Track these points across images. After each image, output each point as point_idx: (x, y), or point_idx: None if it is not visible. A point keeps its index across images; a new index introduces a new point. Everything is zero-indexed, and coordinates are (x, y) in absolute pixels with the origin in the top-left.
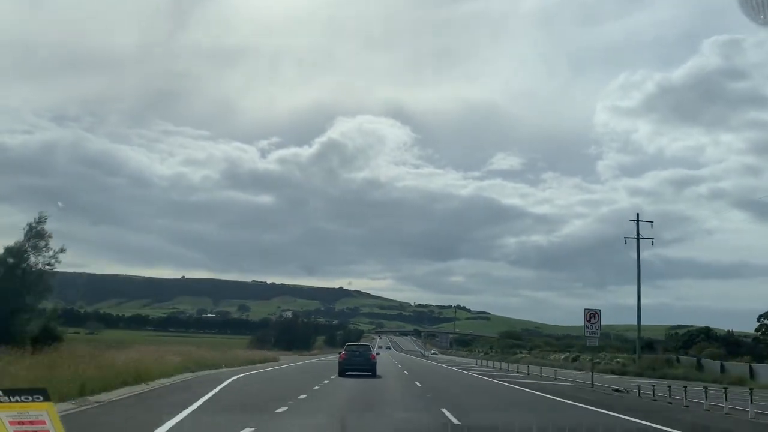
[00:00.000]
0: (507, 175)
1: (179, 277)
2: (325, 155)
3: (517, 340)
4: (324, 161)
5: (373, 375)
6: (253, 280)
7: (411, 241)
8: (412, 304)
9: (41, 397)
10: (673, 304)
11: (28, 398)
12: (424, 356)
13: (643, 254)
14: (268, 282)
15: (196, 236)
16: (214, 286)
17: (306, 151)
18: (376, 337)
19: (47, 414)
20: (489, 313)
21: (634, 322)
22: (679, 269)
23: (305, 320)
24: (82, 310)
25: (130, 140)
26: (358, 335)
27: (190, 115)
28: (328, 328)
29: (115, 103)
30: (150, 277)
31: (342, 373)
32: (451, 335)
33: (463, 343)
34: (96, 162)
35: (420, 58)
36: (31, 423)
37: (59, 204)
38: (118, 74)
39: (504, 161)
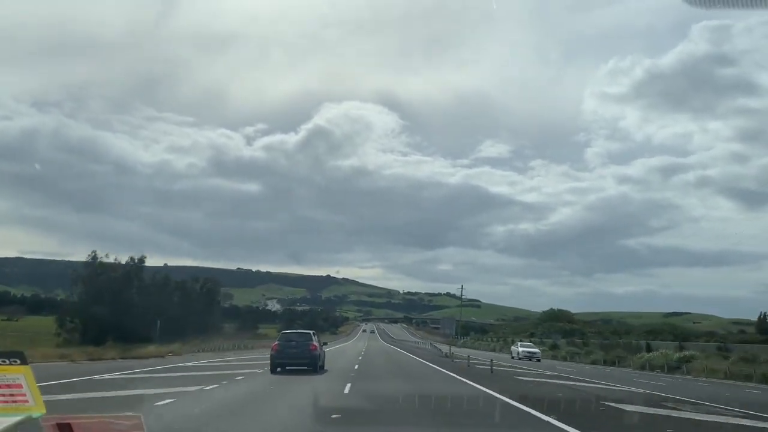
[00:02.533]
0: (495, 162)
1: (161, 264)
2: (312, 142)
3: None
4: (310, 148)
5: (315, 370)
6: (238, 268)
7: (399, 230)
8: (401, 292)
9: (18, 361)
10: (659, 291)
11: (5, 361)
12: (441, 353)
13: (630, 242)
14: (254, 270)
15: (181, 224)
16: (198, 274)
17: (292, 138)
18: (361, 324)
19: (24, 378)
20: (479, 301)
21: (622, 309)
22: (665, 257)
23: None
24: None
25: (112, 126)
26: (336, 322)
27: (174, 101)
28: (309, 314)
29: (97, 88)
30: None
31: (274, 369)
32: (457, 320)
33: (480, 331)
34: (77, 149)
35: (409, 45)
36: (8, 386)
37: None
38: (101, 59)
39: (492, 149)
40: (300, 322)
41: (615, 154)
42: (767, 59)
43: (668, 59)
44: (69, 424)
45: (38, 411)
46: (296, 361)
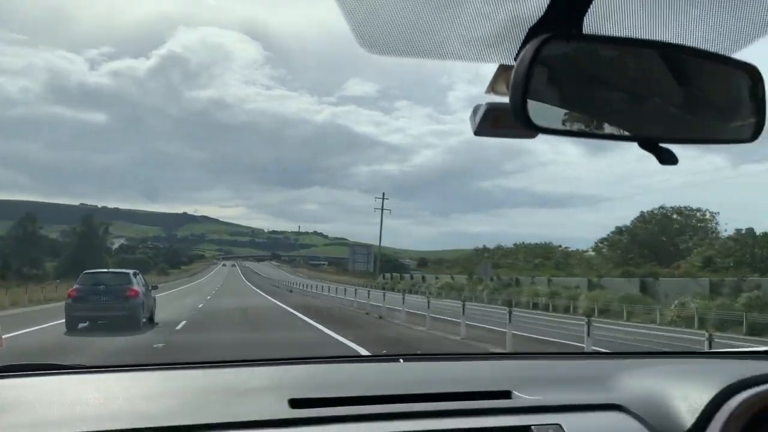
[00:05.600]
0: (361, 101)
1: None
2: (166, 70)
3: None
4: (164, 76)
5: (136, 325)
6: (82, 203)
7: (263, 168)
8: (266, 231)
9: None
10: (509, 231)
11: None
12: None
13: (485, 184)
14: (100, 206)
15: (16, 156)
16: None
17: (143, 65)
18: (218, 262)
19: None
20: (347, 239)
21: (473, 246)
22: (517, 198)
23: None
24: None
25: None
26: (178, 260)
27: (8, 16)
28: (163, 253)
29: None
30: None
31: (72, 326)
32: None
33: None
34: None
35: None
36: None
37: None
38: None
39: (359, 87)
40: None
41: (476, 98)
42: None
43: None
44: None
45: None
46: (106, 313)
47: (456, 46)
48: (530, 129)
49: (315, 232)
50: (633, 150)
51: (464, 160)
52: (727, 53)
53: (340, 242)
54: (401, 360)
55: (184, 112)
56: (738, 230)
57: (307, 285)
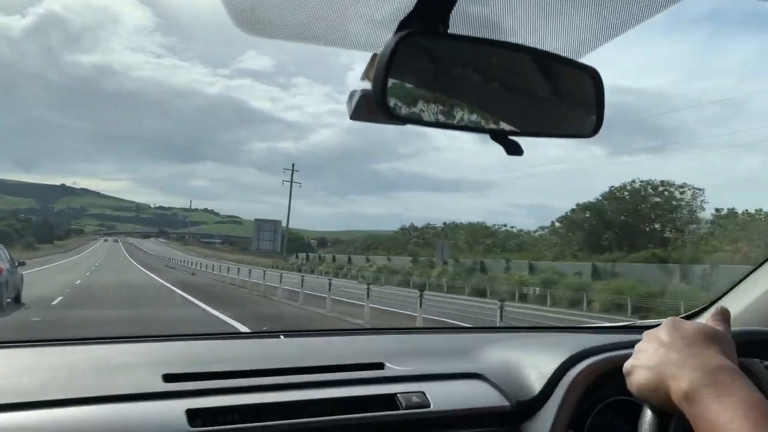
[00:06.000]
0: (257, 75)
1: None
2: (44, 30)
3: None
4: (42, 37)
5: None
6: None
7: (150, 140)
8: (152, 206)
9: None
10: (402, 213)
11: None
12: None
13: (380, 167)
14: None
15: None
16: None
17: (18, 23)
18: (99, 238)
19: None
20: (239, 217)
21: (370, 228)
22: (410, 182)
23: None
24: None
25: None
26: (49, 234)
27: None
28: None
29: None
30: None
31: None
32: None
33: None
34: None
35: None
36: None
37: None
38: None
39: (255, 60)
40: None
41: None
42: None
43: None
44: None
45: None
46: None
47: (332, 31)
48: (390, 117)
49: (206, 209)
50: (519, 141)
51: (362, 142)
52: (573, 57)
53: (232, 220)
54: (282, 336)
55: (64, 77)
56: (718, 210)
57: (204, 265)
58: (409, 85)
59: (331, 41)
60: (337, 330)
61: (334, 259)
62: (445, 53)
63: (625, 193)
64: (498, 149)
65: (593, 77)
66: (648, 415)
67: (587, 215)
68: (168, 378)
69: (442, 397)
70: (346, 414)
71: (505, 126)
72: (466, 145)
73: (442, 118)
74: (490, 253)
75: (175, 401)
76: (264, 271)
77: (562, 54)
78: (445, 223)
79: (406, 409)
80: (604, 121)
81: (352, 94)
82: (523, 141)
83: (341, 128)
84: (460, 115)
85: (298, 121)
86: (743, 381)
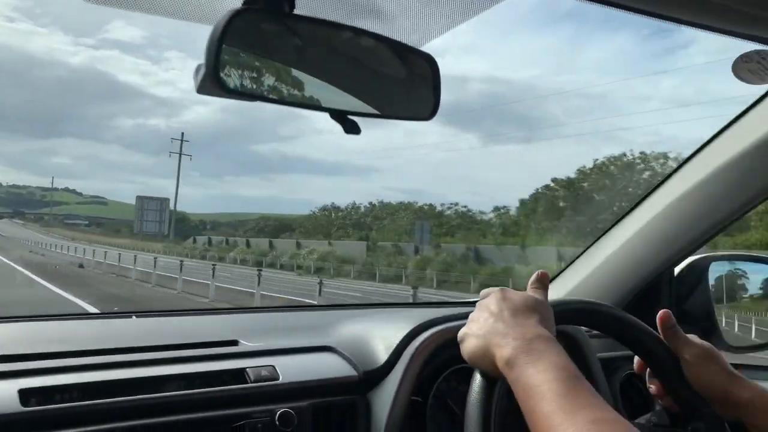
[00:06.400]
0: (127, 47)
1: None
2: None
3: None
4: None
5: None
6: None
7: (1, 113)
8: (4, 185)
9: None
10: (283, 196)
11: None
12: None
13: (261, 148)
14: None
15: None
16: None
17: None
18: None
19: None
20: (105, 198)
21: (249, 210)
22: (291, 164)
23: None
24: None
25: None
26: None
27: None
28: None
29: None
30: None
31: None
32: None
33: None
34: None
35: None
36: None
37: None
38: None
39: (123, 31)
40: None
41: None
42: None
43: None
44: None
45: None
46: None
47: (181, 3)
48: (224, 91)
49: (67, 189)
50: (403, 126)
51: (239, 121)
52: (414, 44)
53: (97, 201)
54: (134, 317)
55: None
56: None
57: (80, 251)
58: (243, 60)
59: (177, 14)
60: (193, 310)
61: (227, 242)
62: (287, 31)
63: None
64: (380, 133)
65: (430, 64)
66: (477, 379)
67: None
68: (1, 359)
69: (292, 369)
70: (196, 389)
71: (343, 106)
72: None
73: (279, 95)
74: (450, 236)
75: (7, 381)
76: (155, 259)
77: (404, 41)
78: (371, 203)
79: (255, 382)
80: (478, 111)
81: (198, 68)
82: (363, 121)
83: (217, 106)
84: (299, 92)
85: (171, 97)
86: (555, 347)
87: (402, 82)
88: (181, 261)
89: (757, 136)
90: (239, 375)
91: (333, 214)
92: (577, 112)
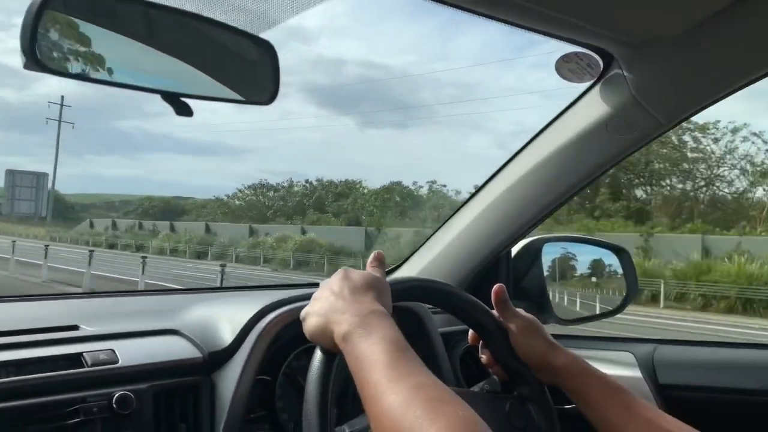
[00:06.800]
0: None
1: None
2: None
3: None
4: None
5: None
6: None
7: None
8: None
9: None
10: (149, 176)
11: None
12: None
13: (123, 124)
14: None
15: None
16: None
17: None
18: None
19: None
20: None
21: (111, 191)
22: (158, 143)
23: None
24: None
25: None
26: None
27: None
28: None
29: None
30: None
31: None
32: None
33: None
34: None
35: None
36: None
37: None
38: None
39: None
40: None
41: None
42: None
43: None
44: None
45: None
46: None
47: None
48: (39, 67)
49: None
50: (275, 107)
51: (100, 95)
52: (254, 31)
53: None
54: None
55: None
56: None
57: None
58: (66, 34)
59: None
60: (36, 295)
61: (114, 226)
62: (117, 11)
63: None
64: (253, 114)
65: (269, 50)
66: (318, 355)
67: None
68: None
69: (133, 352)
70: (30, 375)
71: (176, 88)
72: (219, 107)
73: (105, 75)
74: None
75: None
76: (46, 247)
77: (243, 27)
78: (320, 180)
79: (92, 366)
80: (354, 94)
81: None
82: (197, 104)
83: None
84: (127, 73)
85: (21, 68)
86: (387, 322)
87: (240, 67)
88: (91, 251)
89: (577, 129)
90: (76, 360)
91: (266, 193)
92: (448, 100)
